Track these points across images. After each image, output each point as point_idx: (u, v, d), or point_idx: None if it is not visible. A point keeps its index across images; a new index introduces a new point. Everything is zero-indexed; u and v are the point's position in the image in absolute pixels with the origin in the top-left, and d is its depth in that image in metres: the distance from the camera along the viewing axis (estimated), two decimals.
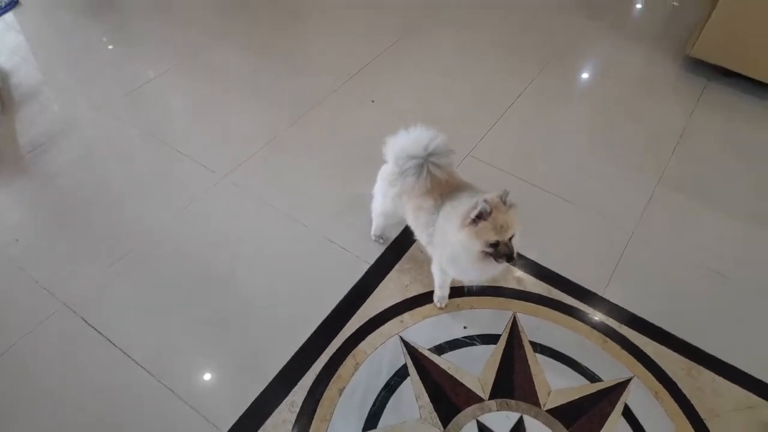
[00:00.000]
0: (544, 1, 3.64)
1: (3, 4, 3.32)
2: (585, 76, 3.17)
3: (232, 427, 1.76)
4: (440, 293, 2.06)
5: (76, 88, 2.91)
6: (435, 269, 2.00)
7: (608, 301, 2.11)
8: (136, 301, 2.06)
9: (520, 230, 1.67)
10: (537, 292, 2.13)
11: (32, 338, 1.94)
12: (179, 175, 2.49)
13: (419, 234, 1.94)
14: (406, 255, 2.23)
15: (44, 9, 3.39)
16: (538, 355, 1.97)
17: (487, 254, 1.68)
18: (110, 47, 3.22)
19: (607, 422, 1.81)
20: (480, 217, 1.60)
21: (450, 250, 1.77)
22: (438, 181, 1.83)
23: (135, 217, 2.32)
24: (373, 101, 2.88)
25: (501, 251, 1.65)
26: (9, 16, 3.29)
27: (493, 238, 1.63)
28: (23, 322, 1.97)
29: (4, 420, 1.76)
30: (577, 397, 1.86)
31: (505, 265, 1.72)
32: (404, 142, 1.86)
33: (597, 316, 2.07)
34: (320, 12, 3.51)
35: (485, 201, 1.61)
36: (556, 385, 1.89)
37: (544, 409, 1.83)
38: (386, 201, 2.01)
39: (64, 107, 2.81)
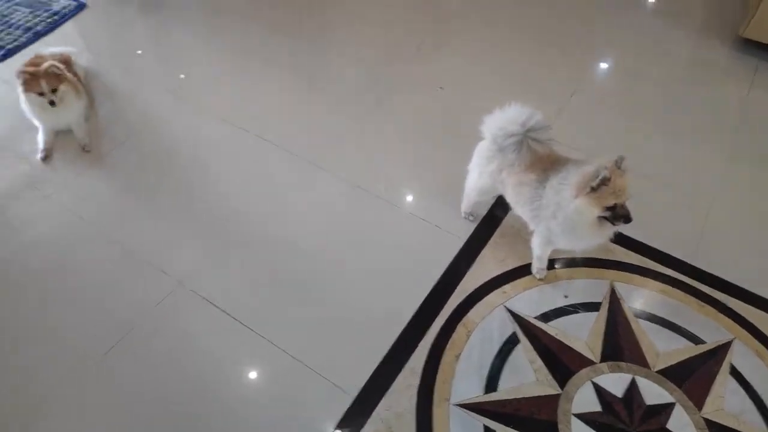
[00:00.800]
0: None
1: (72, 8, 3.40)
2: (634, 63, 3.24)
3: (360, 391, 1.83)
4: (539, 265, 2.14)
5: (150, 83, 2.99)
6: (536, 242, 2.07)
7: (698, 268, 2.19)
8: (250, 279, 2.14)
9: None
10: (629, 261, 2.21)
11: (152, 318, 2.01)
12: (270, 163, 2.57)
13: (521, 209, 2.02)
14: (498, 230, 2.31)
15: (108, 9, 3.48)
16: (640, 321, 2.04)
17: (603, 219, 1.76)
18: (173, 43, 3.30)
19: (716, 381, 1.88)
20: (602, 183, 1.68)
21: (562, 221, 1.84)
22: (539, 155, 1.91)
23: (241, 208, 2.39)
24: (441, 88, 2.96)
25: (619, 213, 1.73)
26: (78, 17, 3.38)
27: (611, 202, 1.71)
28: (142, 301, 2.04)
29: (135, 404, 1.83)
30: (684, 358, 1.94)
31: (612, 231, 1.81)
32: (501, 120, 1.95)
33: (690, 282, 2.14)
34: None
35: (605, 168, 1.69)
36: (662, 347, 1.97)
37: (654, 370, 1.90)
38: (483, 177, 2.09)
39: (144, 101, 2.89)
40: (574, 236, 1.89)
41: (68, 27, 3.32)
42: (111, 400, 1.82)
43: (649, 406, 1.82)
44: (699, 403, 1.83)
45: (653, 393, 1.85)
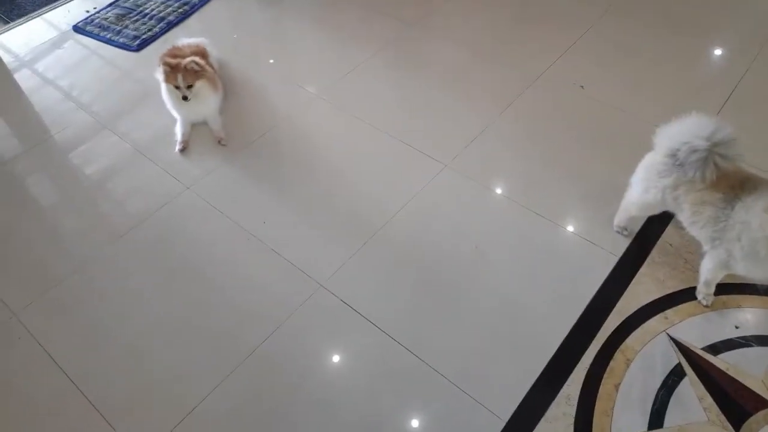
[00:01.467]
0: None
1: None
2: None
3: (512, 416, 1.75)
4: (706, 290, 1.96)
5: (278, 75, 2.99)
6: (708, 266, 1.89)
7: None
8: (387, 285, 2.09)
9: None
10: None
11: (296, 319, 2.00)
12: (403, 162, 2.50)
13: (699, 230, 1.84)
14: (655, 249, 2.13)
15: (232, 1, 3.52)
16: None
17: None
18: (305, 33, 3.29)
19: None
20: None
21: (747, 244, 1.66)
22: (725, 172, 1.73)
23: (372, 203, 2.35)
24: (582, 87, 2.78)
25: None
26: (205, 9, 3.43)
27: None
28: (286, 303, 2.04)
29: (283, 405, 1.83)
30: None
31: None
32: (682, 132, 1.77)
33: None
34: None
35: None
36: None
37: None
38: (649, 193, 1.92)
39: (274, 94, 2.89)
40: (757, 262, 1.70)
41: (195, 18, 3.38)
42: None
43: None
44: None
45: None
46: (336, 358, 1.91)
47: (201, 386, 1.85)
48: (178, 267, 2.19)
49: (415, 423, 1.76)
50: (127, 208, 2.40)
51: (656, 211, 2.00)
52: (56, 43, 3.29)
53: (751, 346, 1.88)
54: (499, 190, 2.37)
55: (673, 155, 1.80)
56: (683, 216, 1.87)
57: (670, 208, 1.91)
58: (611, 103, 2.69)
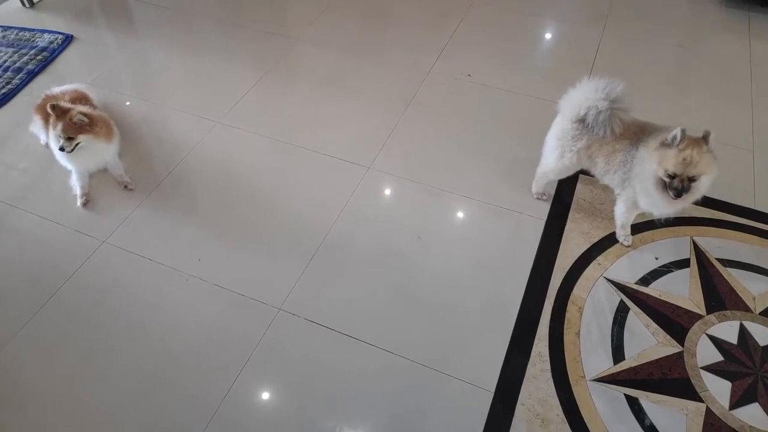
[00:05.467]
0: None
1: (60, 41, 3.18)
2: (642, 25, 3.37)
3: (497, 385, 1.84)
4: (623, 232, 2.21)
5: (166, 106, 2.85)
6: (620, 209, 2.13)
7: (762, 212, 2.31)
8: (345, 292, 2.09)
9: (712, 177, 1.81)
10: (700, 216, 2.31)
11: (264, 347, 1.94)
12: (322, 172, 2.52)
13: (611, 176, 2.06)
14: (572, 206, 2.35)
15: (96, 38, 3.29)
16: (728, 269, 2.14)
17: (663, 184, 1.82)
18: (171, 65, 3.16)
19: None
20: (672, 142, 1.76)
21: (641, 179, 1.91)
22: (626, 123, 1.97)
23: (308, 216, 2.33)
24: (470, 75, 2.98)
25: (673, 184, 1.80)
26: (68, 51, 3.17)
27: (671, 169, 1.78)
28: (249, 333, 1.97)
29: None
30: None
31: (686, 205, 1.89)
32: (582, 97, 1.99)
33: (759, 226, 2.26)
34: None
35: (682, 130, 1.76)
36: (756, 290, 2.07)
37: (757, 313, 2.01)
38: (565, 157, 2.12)
39: (168, 125, 2.75)
40: (652, 197, 1.94)
41: (61, 62, 3.11)
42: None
43: (764, 347, 1.92)
44: None
45: (764, 334, 1.95)
46: (317, 374, 1.87)
47: None
48: (121, 328, 2.00)
49: (411, 415, 1.78)
50: (40, 276, 2.15)
51: (572, 172, 2.22)
52: None
53: (672, 271, 2.14)
54: (424, 182, 2.46)
55: (581, 120, 2.00)
56: (597, 169, 2.09)
57: (585, 166, 2.13)
58: (499, 86, 2.91)
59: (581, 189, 2.40)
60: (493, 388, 1.84)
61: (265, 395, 1.84)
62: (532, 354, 1.92)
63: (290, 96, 2.92)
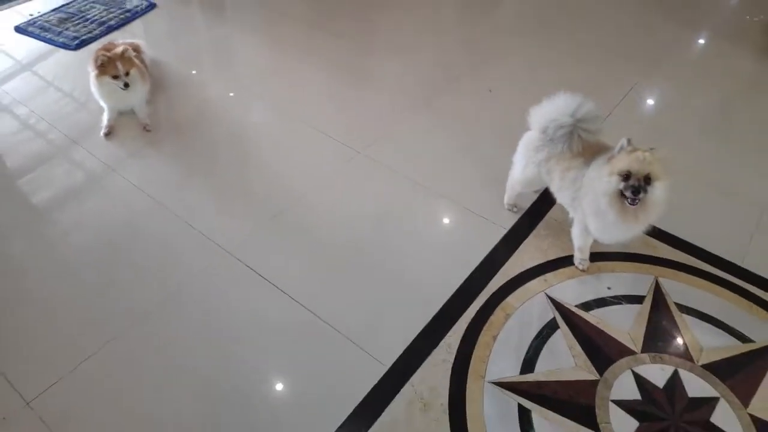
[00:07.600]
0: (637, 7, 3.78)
1: (143, 7, 3.64)
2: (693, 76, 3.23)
3: (395, 362, 1.84)
4: (581, 256, 2.13)
5: (212, 75, 3.15)
6: (576, 231, 2.07)
7: (749, 270, 2.13)
8: (295, 252, 2.19)
9: (667, 185, 1.74)
10: (675, 259, 2.17)
11: (200, 279, 2.08)
12: (318, 149, 2.66)
13: (564, 194, 2.02)
14: (541, 223, 2.31)
15: (175, 9, 3.72)
16: (685, 316, 2.00)
17: (621, 195, 1.74)
18: (232, 40, 3.48)
19: (764, 380, 1.81)
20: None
21: (591, 197, 1.84)
22: (588, 144, 1.93)
23: (285, 182, 2.48)
24: (490, 90, 3.02)
25: (630, 183, 1.72)
26: (147, 16, 3.61)
27: (625, 168, 1.71)
28: (191, 265, 2.12)
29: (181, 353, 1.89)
30: (730, 355, 1.88)
31: (641, 227, 1.82)
32: (551, 110, 1.97)
33: (740, 284, 2.08)
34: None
35: (628, 139, 1.74)
36: (707, 343, 1.91)
37: (699, 364, 1.85)
38: (529, 167, 2.10)
39: (203, 90, 3.04)
40: (601, 219, 1.86)
41: (137, 24, 3.55)
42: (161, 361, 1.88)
43: (692, 398, 1.77)
44: (745, 401, 1.76)
45: (696, 386, 1.80)
46: (239, 316, 1.98)
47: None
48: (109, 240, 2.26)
49: (302, 371, 1.83)
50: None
51: (536, 185, 2.19)
52: None
53: (621, 303, 2.03)
54: (409, 175, 2.52)
55: (544, 131, 1.99)
56: (553, 185, 2.06)
57: (545, 179, 2.09)
58: (516, 102, 2.90)
59: (556, 209, 2.35)
60: (389, 364, 1.84)
61: (194, 315, 1.97)
62: (441, 344, 1.90)
63: (323, 83, 3.12)
